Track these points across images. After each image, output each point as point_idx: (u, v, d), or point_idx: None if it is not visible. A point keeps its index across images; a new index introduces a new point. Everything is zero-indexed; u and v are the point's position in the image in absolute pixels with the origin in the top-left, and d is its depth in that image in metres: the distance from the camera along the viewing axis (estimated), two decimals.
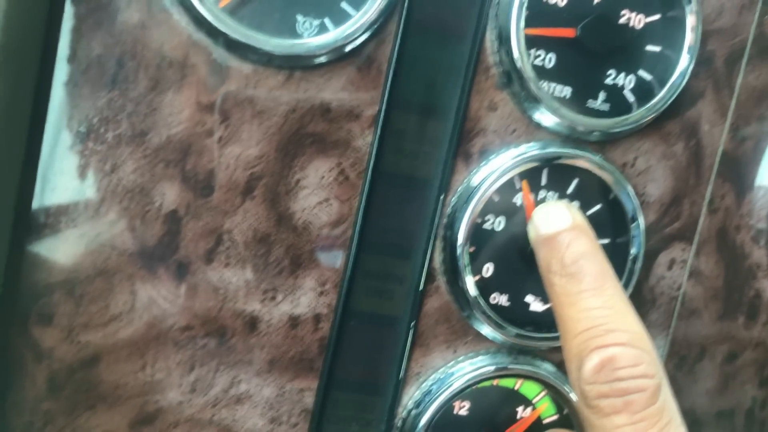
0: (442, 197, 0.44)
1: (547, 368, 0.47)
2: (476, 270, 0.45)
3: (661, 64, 0.45)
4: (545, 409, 0.48)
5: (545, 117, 0.44)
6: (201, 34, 0.40)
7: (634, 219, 0.46)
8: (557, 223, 0.41)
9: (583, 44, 0.43)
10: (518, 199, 0.44)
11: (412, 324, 0.45)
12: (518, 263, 0.45)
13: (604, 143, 0.46)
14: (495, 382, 0.46)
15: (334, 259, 0.44)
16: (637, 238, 0.46)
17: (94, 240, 0.41)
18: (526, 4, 0.42)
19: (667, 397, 0.36)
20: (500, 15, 0.42)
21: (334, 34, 0.40)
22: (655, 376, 0.36)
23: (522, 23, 0.42)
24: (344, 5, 0.41)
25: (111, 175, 0.40)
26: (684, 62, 0.44)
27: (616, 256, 0.46)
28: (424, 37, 0.43)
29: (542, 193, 0.45)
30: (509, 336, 0.45)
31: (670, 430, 0.36)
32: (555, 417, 0.48)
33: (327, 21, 0.41)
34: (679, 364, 0.50)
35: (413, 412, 0.46)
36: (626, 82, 0.44)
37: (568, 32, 0.43)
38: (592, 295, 0.38)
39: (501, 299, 0.45)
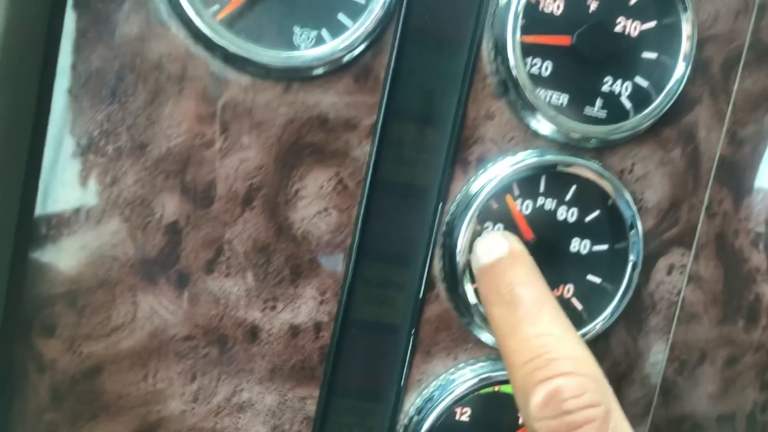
0: (440, 205, 0.44)
1: None
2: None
3: (658, 71, 0.45)
4: None
5: (542, 125, 0.44)
6: (199, 47, 0.40)
7: (632, 225, 0.46)
8: (495, 252, 0.40)
9: (579, 52, 0.43)
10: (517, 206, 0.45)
11: (413, 331, 0.45)
12: None
13: (602, 150, 0.46)
14: (496, 388, 0.47)
15: (334, 268, 0.44)
16: (636, 243, 0.46)
17: (95, 251, 0.41)
18: (522, 13, 0.42)
19: (618, 422, 0.35)
20: (496, 24, 0.43)
21: (331, 46, 0.41)
22: (601, 402, 0.35)
23: (518, 32, 0.42)
24: (341, 17, 0.41)
25: (112, 187, 0.41)
26: (680, 69, 0.44)
27: (615, 262, 0.46)
28: (421, 46, 0.43)
29: (540, 201, 0.45)
30: None
31: None
32: None
33: (324, 32, 0.41)
34: (680, 368, 0.50)
35: (415, 418, 0.46)
36: (623, 89, 0.45)
37: (564, 40, 0.43)
38: (530, 323, 0.37)
39: None
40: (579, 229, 0.46)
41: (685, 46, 0.44)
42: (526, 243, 0.44)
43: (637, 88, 0.45)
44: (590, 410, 0.35)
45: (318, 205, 0.43)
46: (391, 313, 0.46)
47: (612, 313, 0.46)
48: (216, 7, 0.40)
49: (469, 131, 0.44)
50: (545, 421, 0.35)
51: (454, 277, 0.44)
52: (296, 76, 0.41)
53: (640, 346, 0.48)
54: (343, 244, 0.44)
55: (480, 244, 0.42)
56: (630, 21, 0.44)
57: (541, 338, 0.37)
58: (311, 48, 0.41)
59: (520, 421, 0.48)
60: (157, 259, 0.42)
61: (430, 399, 0.46)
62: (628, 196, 0.45)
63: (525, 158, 0.44)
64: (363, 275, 0.45)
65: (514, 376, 0.37)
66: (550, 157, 0.44)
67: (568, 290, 0.46)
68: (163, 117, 0.40)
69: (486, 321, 0.45)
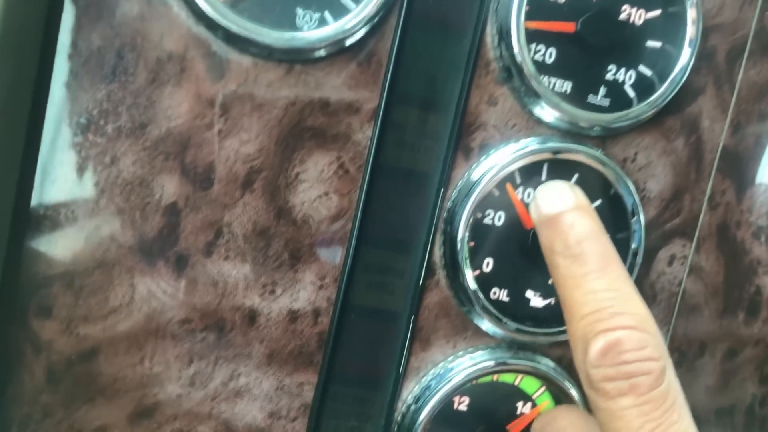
0: (442, 191, 0.44)
1: (547, 364, 0.47)
2: (476, 264, 0.45)
3: (662, 60, 0.45)
4: (545, 405, 0.48)
5: (545, 112, 0.44)
6: (201, 27, 0.40)
7: (634, 214, 0.46)
8: (560, 203, 0.40)
9: (584, 39, 0.43)
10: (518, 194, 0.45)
11: (412, 318, 0.45)
12: (518, 258, 0.45)
13: (605, 138, 0.46)
14: (495, 377, 0.46)
15: (334, 253, 0.44)
16: (637, 233, 0.46)
17: (93, 232, 0.41)
18: None
19: (671, 379, 0.37)
20: (500, 9, 0.42)
21: (333, 28, 0.40)
22: (660, 358, 0.36)
23: (522, 18, 0.42)
24: None
25: (111, 168, 0.40)
26: (685, 58, 0.44)
27: (617, 251, 0.46)
28: (425, 31, 0.43)
29: None
30: (509, 331, 0.45)
31: (673, 412, 0.36)
32: None
33: (327, 14, 0.41)
34: (679, 360, 0.50)
35: (413, 407, 0.46)
36: (627, 77, 0.44)
37: (569, 27, 0.43)
38: (596, 277, 0.38)
39: (501, 294, 0.45)
40: None
41: (691, 31, 0.44)
42: (527, 232, 0.44)
43: (641, 76, 0.45)
44: (648, 363, 0.36)
45: (318, 189, 0.43)
46: (391, 300, 0.45)
47: None
48: None
49: (472, 117, 0.44)
50: (602, 368, 0.36)
51: (454, 264, 0.44)
52: (298, 58, 0.41)
53: None
54: (344, 229, 0.43)
55: (543, 192, 0.42)
56: (635, 9, 0.44)
57: (606, 293, 0.38)
58: (314, 30, 0.40)
59: (518, 411, 0.48)
60: (156, 241, 0.41)
61: (428, 387, 0.46)
62: (630, 185, 0.45)
63: (527, 145, 0.44)
64: (363, 261, 0.44)
65: (575, 325, 0.38)
66: (552, 145, 0.44)
67: None
68: (163, 97, 0.40)
69: (485, 310, 0.44)
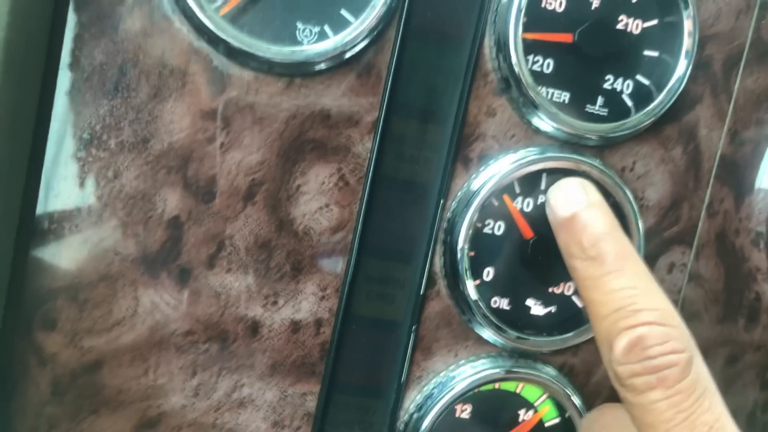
0: (442, 202, 0.45)
1: (548, 371, 0.47)
2: (477, 274, 0.45)
3: (659, 69, 0.45)
4: (547, 412, 0.48)
5: (544, 122, 0.44)
6: (202, 42, 0.40)
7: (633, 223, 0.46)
8: (572, 204, 0.41)
9: (581, 49, 0.43)
10: (517, 204, 0.45)
11: (414, 328, 0.45)
12: (518, 267, 0.45)
13: (603, 148, 0.46)
14: (496, 385, 0.47)
15: (335, 264, 0.44)
16: (636, 242, 0.46)
17: (97, 246, 0.41)
18: (524, 10, 0.42)
19: (699, 369, 0.37)
20: (498, 21, 0.43)
21: (333, 41, 0.41)
22: (684, 350, 0.36)
23: (520, 29, 0.42)
24: (344, 12, 0.41)
25: (114, 182, 0.41)
26: (682, 67, 0.44)
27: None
28: (423, 43, 0.43)
29: (541, 198, 0.45)
30: (510, 339, 0.46)
31: (704, 400, 0.36)
32: (557, 420, 0.48)
33: (327, 28, 0.41)
34: None
35: (415, 415, 0.46)
36: (624, 86, 0.45)
37: (566, 37, 0.43)
38: (615, 277, 0.38)
39: (502, 303, 0.46)
40: None
41: (687, 43, 0.44)
42: (527, 241, 0.45)
43: (638, 86, 0.45)
44: (673, 356, 0.36)
45: (319, 201, 0.43)
46: (392, 310, 0.46)
47: None
48: (219, 2, 0.40)
49: (471, 128, 0.44)
50: (628, 365, 0.37)
51: (455, 274, 0.44)
52: (299, 72, 0.41)
53: None
54: (344, 240, 0.44)
55: (555, 195, 0.42)
56: (632, 19, 0.44)
57: (625, 291, 0.38)
58: (314, 43, 0.41)
59: (520, 419, 0.48)
60: (159, 254, 0.42)
61: (430, 396, 0.46)
62: (629, 194, 0.45)
63: (526, 155, 0.44)
64: (364, 271, 0.45)
65: (598, 324, 0.38)
66: (551, 155, 0.44)
67: (569, 288, 0.46)
68: (165, 112, 0.41)
69: (486, 319, 0.45)
